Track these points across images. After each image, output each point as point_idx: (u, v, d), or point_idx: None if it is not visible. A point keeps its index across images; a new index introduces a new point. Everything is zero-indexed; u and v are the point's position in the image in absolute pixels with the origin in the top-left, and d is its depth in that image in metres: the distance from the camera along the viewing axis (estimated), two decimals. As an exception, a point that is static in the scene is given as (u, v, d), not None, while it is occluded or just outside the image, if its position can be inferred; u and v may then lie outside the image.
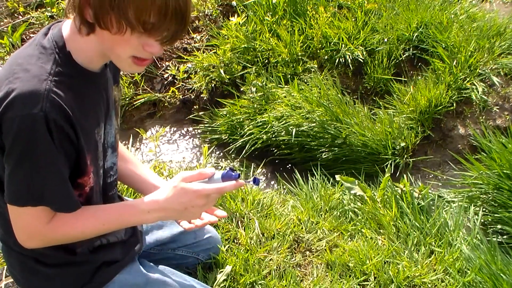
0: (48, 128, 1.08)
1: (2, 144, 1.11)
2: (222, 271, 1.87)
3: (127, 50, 1.14)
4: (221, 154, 3.19)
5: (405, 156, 2.90)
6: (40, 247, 1.27)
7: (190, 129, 3.39)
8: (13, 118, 1.06)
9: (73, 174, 1.21)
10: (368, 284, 2.00)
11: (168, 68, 3.51)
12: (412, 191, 2.40)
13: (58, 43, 1.16)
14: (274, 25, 3.42)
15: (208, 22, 3.65)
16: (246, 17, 3.48)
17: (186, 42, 3.64)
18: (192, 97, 3.44)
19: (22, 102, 1.07)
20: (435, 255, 2.13)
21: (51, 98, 1.08)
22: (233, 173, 1.32)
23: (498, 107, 2.97)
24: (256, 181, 1.34)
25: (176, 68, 3.47)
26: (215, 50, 3.45)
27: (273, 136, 3.04)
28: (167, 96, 3.45)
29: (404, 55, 3.25)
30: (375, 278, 2.02)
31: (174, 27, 1.10)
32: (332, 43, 3.30)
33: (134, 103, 3.39)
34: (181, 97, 3.45)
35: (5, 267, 1.80)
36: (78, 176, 1.23)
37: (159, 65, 3.57)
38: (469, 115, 2.98)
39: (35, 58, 1.14)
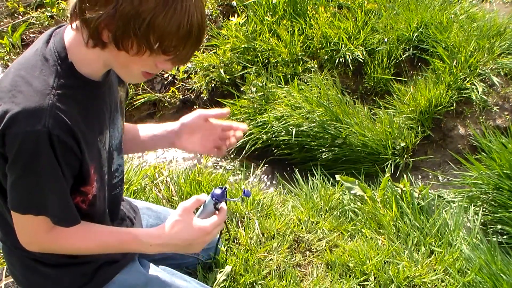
0: (51, 144, 1.09)
1: (5, 155, 1.12)
2: (222, 271, 1.87)
3: (140, 68, 1.17)
4: (221, 154, 3.19)
5: (405, 156, 2.90)
6: (39, 251, 1.29)
7: (190, 129, 3.38)
8: (17, 133, 1.07)
9: (76, 183, 1.22)
10: (368, 284, 2.00)
11: (165, 70, 3.51)
12: (412, 191, 2.40)
13: (60, 54, 1.15)
14: (274, 25, 3.42)
15: (208, 22, 3.65)
16: (246, 17, 3.48)
17: (186, 42, 3.64)
18: (192, 97, 3.44)
19: (25, 118, 1.07)
20: (435, 255, 2.13)
21: (54, 114, 1.09)
22: (220, 190, 1.38)
23: (498, 107, 2.97)
24: (246, 193, 1.42)
25: (176, 68, 3.47)
26: (215, 50, 3.45)
27: (273, 136, 3.04)
28: (167, 96, 3.45)
29: (404, 55, 3.25)
30: (375, 278, 2.02)
31: (192, 49, 1.14)
32: (332, 43, 3.30)
33: (134, 103, 3.39)
34: (181, 97, 3.45)
35: (5, 267, 1.80)
36: (81, 185, 1.23)
37: (159, 65, 3.57)
38: (469, 115, 2.98)
39: (37, 70, 1.13)
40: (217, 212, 1.40)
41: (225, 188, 1.39)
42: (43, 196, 1.16)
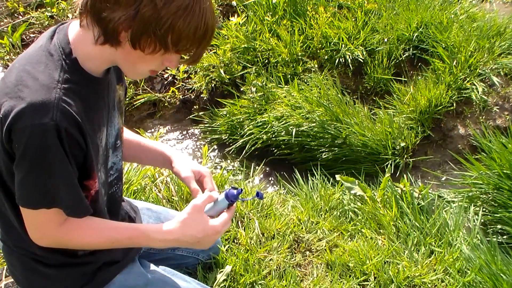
0: (59, 136, 1.09)
1: (12, 152, 1.12)
2: (222, 271, 1.87)
3: (149, 66, 1.20)
4: (221, 154, 3.19)
5: (405, 156, 2.90)
6: (50, 246, 1.29)
7: (190, 129, 3.39)
8: (24, 127, 1.07)
9: (80, 177, 1.22)
10: (368, 284, 2.00)
11: (168, 68, 3.52)
12: (412, 191, 2.40)
13: (64, 49, 1.16)
14: (274, 25, 3.42)
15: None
16: (246, 17, 3.48)
17: (186, 42, 3.63)
18: (192, 97, 3.44)
19: (32, 112, 1.07)
20: (435, 255, 2.13)
21: (61, 107, 1.09)
22: (235, 191, 1.39)
23: (498, 107, 2.97)
24: (259, 195, 1.43)
25: (176, 68, 3.47)
26: (215, 50, 3.45)
27: (273, 136, 3.04)
28: (167, 96, 3.45)
29: (404, 55, 3.25)
30: (375, 278, 2.02)
31: (204, 49, 1.19)
32: (332, 43, 3.30)
33: (134, 103, 3.39)
34: (181, 97, 3.45)
35: (5, 267, 1.80)
36: (85, 179, 1.24)
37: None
38: (469, 115, 2.98)
39: (43, 65, 1.14)
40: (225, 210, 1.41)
41: (241, 190, 1.39)
42: (54, 189, 1.16)
